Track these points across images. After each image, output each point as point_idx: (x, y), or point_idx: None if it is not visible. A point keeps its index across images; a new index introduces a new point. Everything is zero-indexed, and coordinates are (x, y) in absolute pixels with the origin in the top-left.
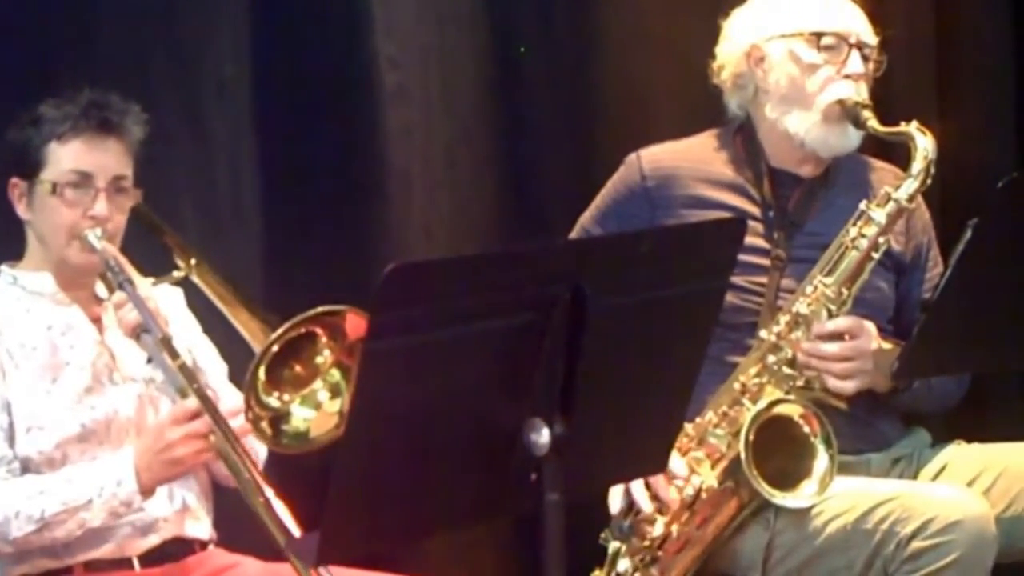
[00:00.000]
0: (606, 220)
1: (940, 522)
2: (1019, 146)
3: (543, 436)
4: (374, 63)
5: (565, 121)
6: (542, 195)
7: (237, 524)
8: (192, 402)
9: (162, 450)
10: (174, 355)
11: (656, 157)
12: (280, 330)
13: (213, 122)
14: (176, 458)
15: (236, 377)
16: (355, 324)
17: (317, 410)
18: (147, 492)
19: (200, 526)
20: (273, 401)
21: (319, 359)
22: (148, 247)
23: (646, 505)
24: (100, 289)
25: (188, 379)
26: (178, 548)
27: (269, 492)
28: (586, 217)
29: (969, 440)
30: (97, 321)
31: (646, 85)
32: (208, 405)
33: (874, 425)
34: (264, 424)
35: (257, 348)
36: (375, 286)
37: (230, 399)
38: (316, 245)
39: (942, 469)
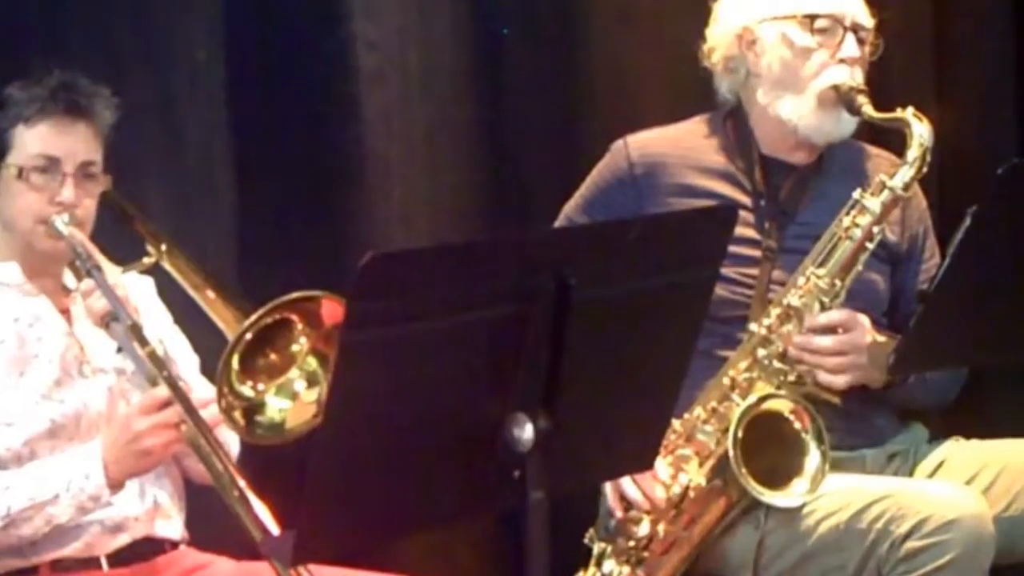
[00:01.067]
0: (592, 209)
1: (935, 521)
2: (1019, 132)
3: (526, 432)
4: (351, 45)
5: (549, 106)
6: (525, 182)
7: (209, 524)
8: (162, 391)
9: (130, 441)
10: (143, 343)
11: (644, 143)
12: (254, 316)
13: (186, 107)
14: (145, 449)
15: (209, 368)
16: (331, 310)
17: (293, 400)
18: (115, 486)
19: (171, 526)
20: (247, 391)
21: (295, 347)
22: (118, 235)
23: (639, 498)
24: (68, 280)
25: (158, 367)
26: (148, 548)
27: (243, 485)
28: (571, 206)
29: (968, 436)
30: (65, 312)
31: (633, 68)
32: (179, 394)
33: (868, 419)
34: (237, 414)
35: (230, 336)
36: (352, 276)
37: (202, 391)
38: (291, 233)
39: (939, 466)
